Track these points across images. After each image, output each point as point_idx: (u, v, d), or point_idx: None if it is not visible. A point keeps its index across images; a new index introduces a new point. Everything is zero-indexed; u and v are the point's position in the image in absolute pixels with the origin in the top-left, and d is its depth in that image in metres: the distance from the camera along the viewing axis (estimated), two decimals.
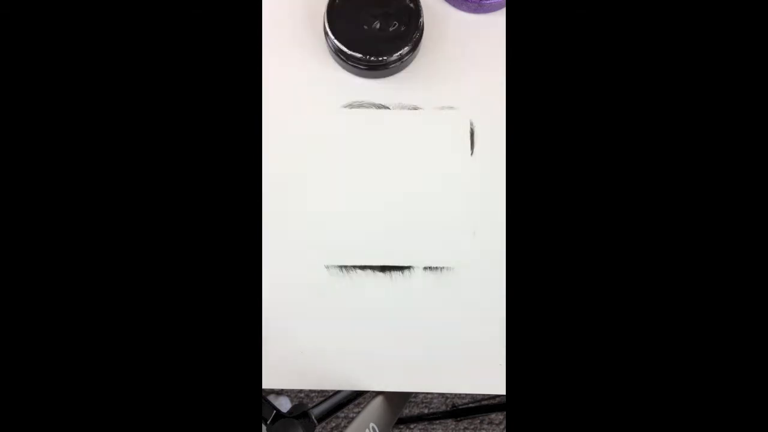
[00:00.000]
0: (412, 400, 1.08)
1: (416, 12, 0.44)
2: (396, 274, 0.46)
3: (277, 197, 0.46)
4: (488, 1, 0.46)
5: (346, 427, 0.99)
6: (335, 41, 0.44)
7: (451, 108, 0.47)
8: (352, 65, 0.45)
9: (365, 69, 0.45)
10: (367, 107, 0.47)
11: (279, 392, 0.82)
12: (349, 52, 0.44)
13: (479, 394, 0.86)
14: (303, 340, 0.46)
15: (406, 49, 0.44)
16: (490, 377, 0.46)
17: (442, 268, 0.46)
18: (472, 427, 1.08)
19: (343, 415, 1.05)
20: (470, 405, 0.79)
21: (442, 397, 1.07)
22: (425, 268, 0.46)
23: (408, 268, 0.46)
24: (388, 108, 0.47)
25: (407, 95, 0.47)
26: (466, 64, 0.48)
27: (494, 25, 0.48)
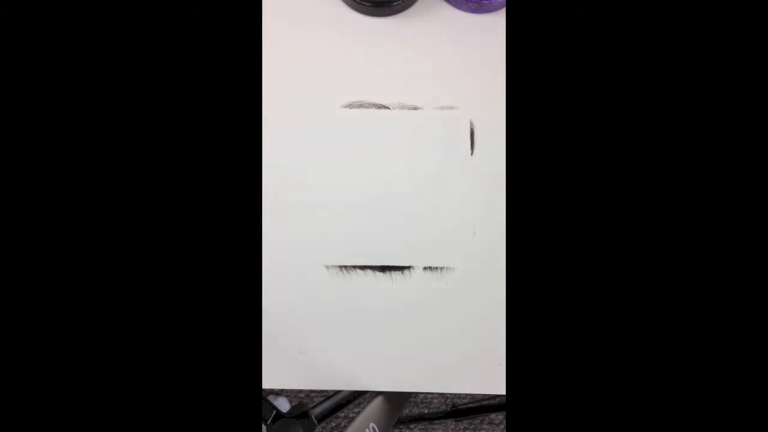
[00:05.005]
0: (412, 400, 1.08)
1: None
2: (396, 274, 0.46)
3: (277, 197, 0.46)
4: (488, 1, 0.46)
5: (346, 427, 0.99)
6: None
7: (451, 108, 0.47)
8: (358, 3, 0.46)
9: (371, 6, 0.46)
10: (367, 107, 0.47)
11: (279, 392, 0.82)
12: None
13: (479, 394, 0.86)
14: (303, 340, 0.46)
15: None
16: (490, 377, 0.46)
17: (442, 268, 0.46)
18: (472, 427, 1.08)
19: (343, 415, 1.05)
20: (470, 405, 0.79)
21: (442, 397, 1.07)
22: (425, 268, 0.46)
23: (408, 268, 0.46)
24: (388, 108, 0.47)
25: (407, 95, 0.48)
26: (466, 64, 0.48)
27: (494, 25, 0.48)
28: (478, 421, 1.08)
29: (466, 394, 0.95)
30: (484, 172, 0.47)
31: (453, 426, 1.08)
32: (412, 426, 1.07)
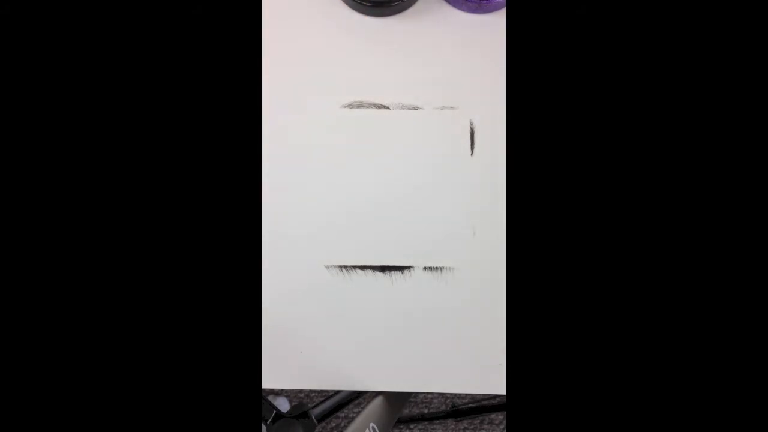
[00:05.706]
0: (412, 400, 1.08)
1: None
2: (396, 274, 0.46)
3: (277, 197, 0.46)
4: (488, 1, 0.46)
5: (346, 427, 0.99)
6: None
7: (451, 108, 0.47)
8: (358, 3, 0.46)
9: (371, 6, 0.46)
10: (367, 107, 0.47)
11: (279, 392, 0.82)
12: None
13: (479, 394, 0.86)
14: (303, 340, 0.46)
15: None
16: (490, 377, 0.46)
17: (442, 268, 0.46)
18: (472, 427, 1.08)
19: (343, 415, 1.05)
20: (470, 405, 0.79)
21: (442, 397, 1.07)
22: (425, 268, 0.46)
23: (408, 268, 0.46)
24: (388, 108, 0.47)
25: (407, 95, 0.48)
26: (466, 64, 0.48)
27: (494, 25, 0.48)
28: (478, 421, 1.08)
29: (466, 394, 0.95)
30: (484, 172, 0.47)
31: (453, 426, 1.08)
32: (412, 426, 1.07)
